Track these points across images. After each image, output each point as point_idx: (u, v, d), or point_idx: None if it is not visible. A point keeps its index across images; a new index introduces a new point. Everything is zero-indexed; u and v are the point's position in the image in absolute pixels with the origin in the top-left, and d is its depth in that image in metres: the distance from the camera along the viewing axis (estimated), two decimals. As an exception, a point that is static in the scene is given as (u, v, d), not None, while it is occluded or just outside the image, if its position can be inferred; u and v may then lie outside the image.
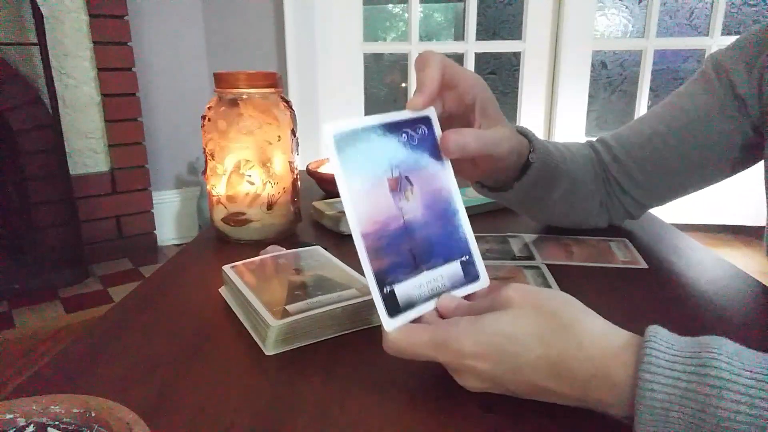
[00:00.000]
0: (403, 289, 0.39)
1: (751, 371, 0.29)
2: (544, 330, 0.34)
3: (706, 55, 2.37)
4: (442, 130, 0.43)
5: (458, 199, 0.43)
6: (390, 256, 0.39)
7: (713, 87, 0.62)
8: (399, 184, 0.40)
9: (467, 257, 0.43)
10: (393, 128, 0.40)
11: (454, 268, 0.42)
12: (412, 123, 0.41)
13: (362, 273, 0.37)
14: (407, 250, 0.40)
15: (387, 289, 0.38)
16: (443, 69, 0.43)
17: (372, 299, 0.37)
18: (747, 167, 0.65)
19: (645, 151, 0.66)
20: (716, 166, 0.64)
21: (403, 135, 0.40)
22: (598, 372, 0.32)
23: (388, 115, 0.40)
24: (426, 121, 0.42)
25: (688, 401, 0.29)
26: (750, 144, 0.62)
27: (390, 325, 0.37)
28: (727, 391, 0.28)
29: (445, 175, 0.42)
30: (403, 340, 0.36)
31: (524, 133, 0.56)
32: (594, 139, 0.71)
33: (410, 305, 0.39)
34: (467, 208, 0.59)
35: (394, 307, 0.38)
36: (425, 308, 0.40)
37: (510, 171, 0.56)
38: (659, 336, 0.31)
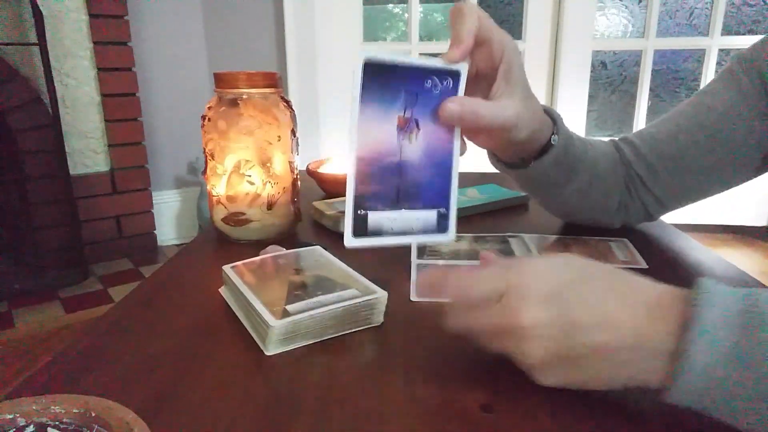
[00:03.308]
0: (375, 217, 0.42)
1: None
2: (610, 267, 0.37)
3: (705, 55, 2.37)
4: (468, 84, 0.44)
5: (456, 156, 0.45)
6: (375, 185, 0.42)
7: (740, 83, 0.61)
8: (407, 124, 0.42)
9: (444, 210, 0.45)
10: (422, 72, 0.42)
11: (429, 216, 0.45)
12: (441, 73, 0.42)
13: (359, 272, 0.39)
14: (394, 186, 0.43)
15: (361, 212, 0.42)
16: (479, 23, 0.43)
17: (375, 296, 0.39)
18: None
19: (671, 148, 0.65)
20: (743, 164, 0.63)
21: (429, 81, 0.42)
22: (660, 299, 0.34)
23: (422, 60, 0.42)
24: (455, 75, 0.43)
25: (736, 325, 0.31)
26: None
27: (350, 242, 0.41)
28: None
29: (452, 132, 0.44)
30: (471, 276, 0.37)
31: (551, 115, 0.56)
32: (609, 138, 0.71)
33: (377, 233, 0.42)
34: (467, 208, 0.61)
35: (361, 230, 0.42)
36: (388, 241, 0.43)
37: (527, 148, 0.55)
38: (712, 279, 0.33)
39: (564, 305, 0.34)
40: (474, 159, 0.60)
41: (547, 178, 0.59)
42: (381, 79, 0.40)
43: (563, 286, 0.35)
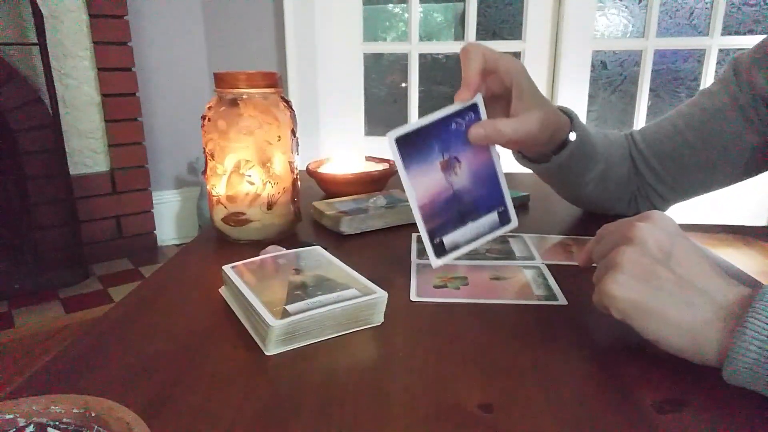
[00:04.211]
0: (450, 238, 0.51)
1: None
2: None
3: (705, 55, 2.38)
4: (487, 108, 0.52)
5: (498, 163, 0.54)
6: (441, 218, 0.51)
7: (731, 88, 0.64)
8: (449, 164, 0.50)
9: (503, 208, 0.54)
10: (444, 121, 0.50)
11: (492, 217, 0.54)
12: (462, 112, 0.50)
13: (362, 273, 0.42)
14: (456, 211, 0.51)
15: (437, 240, 0.51)
16: (484, 60, 0.50)
17: (375, 296, 0.43)
18: (763, 171, 0.67)
19: (666, 147, 0.69)
20: (731, 166, 0.66)
21: (453, 124, 0.50)
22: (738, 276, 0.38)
23: (441, 112, 0.50)
24: (474, 107, 0.51)
25: None
26: (766, 147, 0.63)
27: (436, 263, 0.51)
28: None
29: (488, 148, 0.53)
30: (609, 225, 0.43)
31: (567, 113, 0.62)
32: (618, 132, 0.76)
33: (455, 248, 0.52)
34: None
35: (441, 251, 0.51)
36: (467, 248, 0.53)
37: (548, 146, 0.62)
38: None
39: (675, 240, 0.38)
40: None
41: (567, 169, 0.65)
42: (414, 144, 0.48)
43: (684, 236, 0.39)
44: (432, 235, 0.50)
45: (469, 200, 0.52)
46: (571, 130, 0.61)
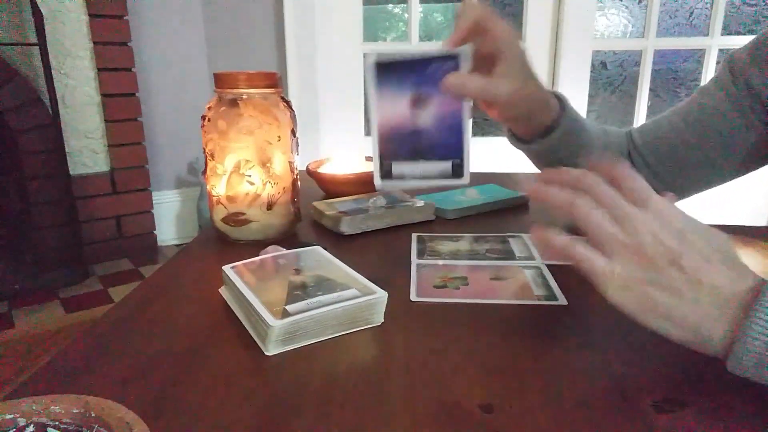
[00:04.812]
0: (398, 167, 0.54)
1: None
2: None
3: (705, 55, 2.38)
4: (474, 65, 0.53)
5: (466, 118, 0.54)
6: (396, 145, 0.54)
7: (728, 85, 0.65)
8: (417, 101, 0.53)
9: (459, 161, 0.55)
10: (425, 61, 0.52)
11: (445, 165, 0.55)
12: (444, 59, 0.52)
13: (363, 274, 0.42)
14: (411, 146, 0.54)
15: (386, 164, 0.54)
16: (478, 18, 0.52)
17: (375, 296, 0.43)
18: (761, 165, 0.67)
19: (664, 145, 0.69)
20: (730, 163, 0.67)
21: (432, 65, 0.52)
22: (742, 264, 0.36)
23: (424, 51, 0.52)
24: (455, 57, 0.52)
25: None
26: (765, 141, 0.64)
27: (379, 184, 0.54)
28: None
29: (460, 100, 0.54)
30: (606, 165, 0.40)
31: (559, 98, 0.63)
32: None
33: (400, 177, 0.55)
34: (468, 208, 0.69)
35: (387, 175, 0.54)
36: (412, 183, 0.55)
37: (535, 126, 0.62)
38: None
39: (683, 235, 0.36)
40: (474, 161, 0.61)
41: (555, 155, 0.64)
42: (391, 72, 0.51)
43: (691, 225, 0.37)
44: (384, 158, 0.53)
45: (426, 141, 0.54)
46: (560, 116, 0.61)
